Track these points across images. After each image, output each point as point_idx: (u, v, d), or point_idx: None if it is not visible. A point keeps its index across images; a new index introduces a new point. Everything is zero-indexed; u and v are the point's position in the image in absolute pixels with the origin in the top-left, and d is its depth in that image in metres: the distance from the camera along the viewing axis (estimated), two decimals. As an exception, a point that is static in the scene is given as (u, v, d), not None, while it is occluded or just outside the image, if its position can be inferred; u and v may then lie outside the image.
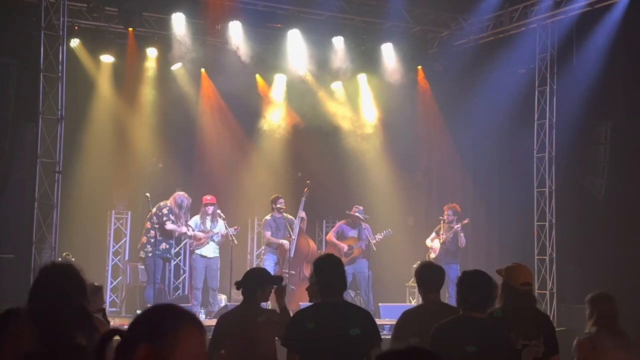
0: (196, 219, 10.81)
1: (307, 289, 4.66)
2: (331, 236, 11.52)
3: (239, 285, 5.14)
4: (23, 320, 3.04)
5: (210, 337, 5.04)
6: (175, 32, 11.36)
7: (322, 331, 4.26)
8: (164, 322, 1.95)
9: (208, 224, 10.77)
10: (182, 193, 10.63)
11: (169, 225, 10.41)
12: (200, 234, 10.71)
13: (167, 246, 10.53)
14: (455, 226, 11.34)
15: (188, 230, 10.67)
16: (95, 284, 5.36)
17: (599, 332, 4.88)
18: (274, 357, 5.08)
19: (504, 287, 4.61)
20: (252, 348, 4.93)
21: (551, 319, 10.89)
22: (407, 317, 4.93)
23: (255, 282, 5.12)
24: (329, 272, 4.42)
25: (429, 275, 4.98)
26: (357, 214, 11.26)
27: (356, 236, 11.35)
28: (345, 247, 11.07)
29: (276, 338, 4.94)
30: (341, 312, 4.36)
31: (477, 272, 4.36)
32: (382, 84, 12.79)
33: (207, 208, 10.76)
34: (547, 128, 11.59)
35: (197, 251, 10.74)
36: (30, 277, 9.33)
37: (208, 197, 10.83)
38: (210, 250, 10.74)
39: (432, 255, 11.52)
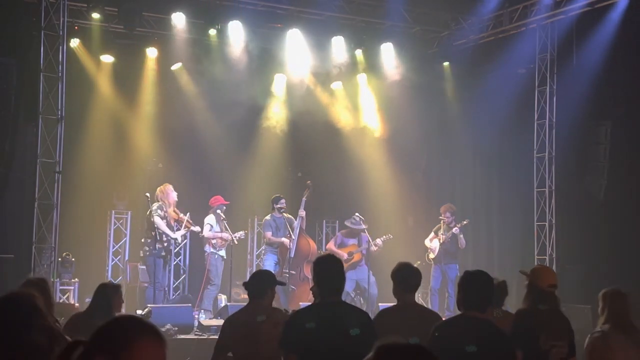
0: (211, 219, 10.82)
1: (311, 289, 4.67)
2: (331, 245, 11.50)
3: (246, 286, 5.19)
4: None
5: (217, 340, 5.15)
6: (175, 32, 11.37)
7: (323, 331, 4.25)
8: (120, 336, 1.96)
9: (224, 224, 10.81)
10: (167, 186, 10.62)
11: (156, 219, 10.28)
12: (226, 235, 10.77)
13: (161, 245, 10.41)
14: (454, 229, 11.33)
15: (203, 228, 10.71)
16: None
17: (611, 329, 4.86)
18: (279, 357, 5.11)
19: (530, 288, 4.64)
20: (257, 349, 4.94)
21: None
22: (384, 316, 4.95)
23: (266, 283, 5.18)
24: (326, 272, 4.43)
25: (406, 276, 4.98)
26: (353, 225, 11.23)
27: (356, 243, 11.34)
28: (345, 255, 11.03)
29: None
30: (341, 312, 4.36)
31: (479, 272, 4.37)
32: (382, 84, 12.80)
33: (222, 208, 10.85)
34: (547, 128, 11.60)
35: (219, 252, 10.79)
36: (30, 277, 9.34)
37: (221, 198, 10.94)
38: (225, 251, 10.86)
39: (432, 256, 11.52)
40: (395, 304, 5.01)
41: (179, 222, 10.63)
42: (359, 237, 11.30)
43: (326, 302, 4.39)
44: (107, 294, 5.56)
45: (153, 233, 10.29)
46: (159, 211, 10.31)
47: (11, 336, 3.11)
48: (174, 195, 10.50)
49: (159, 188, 10.55)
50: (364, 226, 11.21)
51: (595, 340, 4.86)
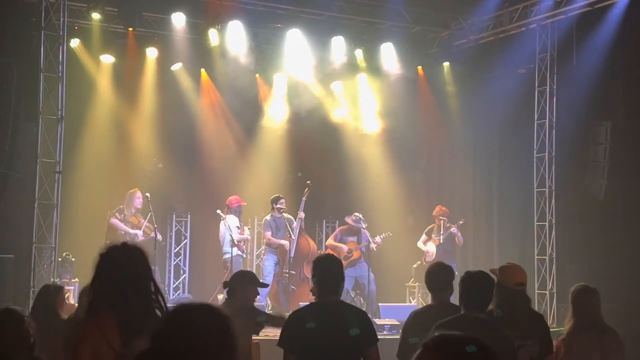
0: (236, 221, 10.77)
1: (311, 290, 4.69)
2: (331, 241, 11.46)
3: (225, 284, 5.25)
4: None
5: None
6: (175, 32, 11.37)
7: (323, 331, 4.26)
8: None
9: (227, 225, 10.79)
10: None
11: (112, 220, 10.38)
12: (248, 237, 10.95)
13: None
14: (452, 228, 11.33)
15: (232, 232, 10.57)
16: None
17: (573, 331, 4.86)
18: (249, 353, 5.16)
19: (498, 287, 4.61)
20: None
21: (551, 318, 10.94)
22: (416, 317, 4.94)
23: (238, 282, 5.22)
24: (326, 271, 4.43)
25: (436, 277, 4.98)
26: (354, 223, 11.21)
27: (355, 240, 11.31)
28: (345, 248, 11.03)
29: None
30: (340, 312, 4.36)
31: (480, 272, 4.38)
32: (382, 84, 12.79)
33: (240, 209, 10.89)
34: (547, 128, 11.60)
35: (242, 254, 10.83)
36: (30, 277, 9.33)
37: (239, 198, 10.98)
38: None
39: (429, 259, 11.45)
40: (427, 304, 5.04)
41: (138, 227, 10.57)
42: (359, 234, 11.26)
43: (325, 302, 4.39)
44: (50, 295, 5.48)
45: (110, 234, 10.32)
46: (116, 214, 10.36)
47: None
48: (137, 202, 10.46)
49: (130, 191, 10.54)
50: (364, 225, 11.19)
51: (559, 344, 4.87)
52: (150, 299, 3.08)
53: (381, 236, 11.11)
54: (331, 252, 10.90)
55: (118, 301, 3.04)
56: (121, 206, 10.48)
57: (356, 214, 11.30)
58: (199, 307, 2.14)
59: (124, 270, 3.08)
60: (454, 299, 4.87)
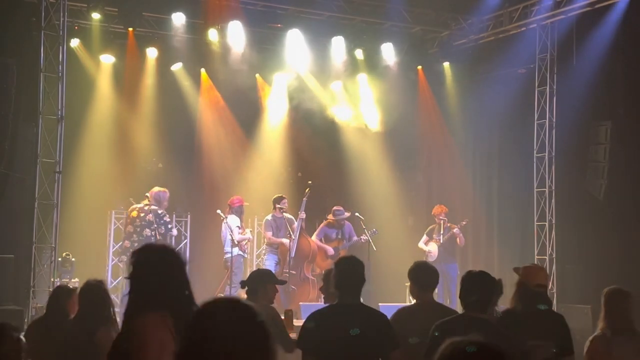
0: (237, 221, 10.71)
1: (320, 289, 4.69)
2: (317, 242, 11.32)
3: (243, 284, 5.22)
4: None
5: None
6: (175, 32, 11.37)
7: (322, 331, 4.27)
8: None
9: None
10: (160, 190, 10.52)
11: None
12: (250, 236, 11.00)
13: None
14: (455, 229, 11.32)
15: (233, 231, 10.46)
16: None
17: (611, 332, 4.78)
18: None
19: (519, 286, 4.61)
20: None
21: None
22: (403, 315, 4.93)
23: (258, 281, 5.20)
24: (343, 272, 4.42)
25: (424, 275, 4.98)
26: (337, 215, 11.12)
27: (340, 237, 11.26)
28: (331, 250, 11.00)
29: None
30: (346, 312, 4.34)
31: (481, 272, 4.38)
32: (382, 83, 12.79)
33: (242, 209, 10.87)
34: (547, 128, 11.60)
35: (244, 254, 10.81)
36: (30, 277, 9.33)
37: (241, 198, 10.96)
38: None
39: (430, 259, 11.43)
40: (413, 302, 5.02)
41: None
42: (342, 228, 11.20)
43: (339, 303, 4.39)
44: (61, 297, 5.46)
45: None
46: (169, 225, 10.34)
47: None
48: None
49: (164, 190, 10.39)
50: (346, 214, 11.13)
51: (596, 344, 4.79)
52: (187, 299, 3.11)
53: (368, 233, 10.98)
54: (321, 253, 10.95)
55: (168, 301, 3.04)
56: (161, 212, 10.25)
57: (336, 207, 11.25)
58: (224, 306, 2.02)
59: (171, 270, 3.12)
60: (455, 298, 4.87)
